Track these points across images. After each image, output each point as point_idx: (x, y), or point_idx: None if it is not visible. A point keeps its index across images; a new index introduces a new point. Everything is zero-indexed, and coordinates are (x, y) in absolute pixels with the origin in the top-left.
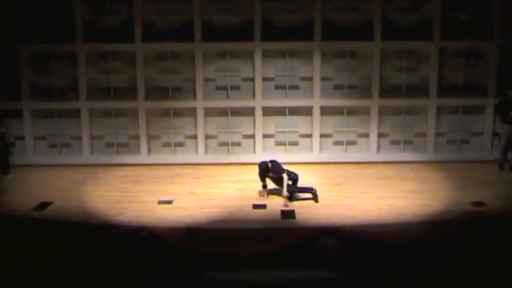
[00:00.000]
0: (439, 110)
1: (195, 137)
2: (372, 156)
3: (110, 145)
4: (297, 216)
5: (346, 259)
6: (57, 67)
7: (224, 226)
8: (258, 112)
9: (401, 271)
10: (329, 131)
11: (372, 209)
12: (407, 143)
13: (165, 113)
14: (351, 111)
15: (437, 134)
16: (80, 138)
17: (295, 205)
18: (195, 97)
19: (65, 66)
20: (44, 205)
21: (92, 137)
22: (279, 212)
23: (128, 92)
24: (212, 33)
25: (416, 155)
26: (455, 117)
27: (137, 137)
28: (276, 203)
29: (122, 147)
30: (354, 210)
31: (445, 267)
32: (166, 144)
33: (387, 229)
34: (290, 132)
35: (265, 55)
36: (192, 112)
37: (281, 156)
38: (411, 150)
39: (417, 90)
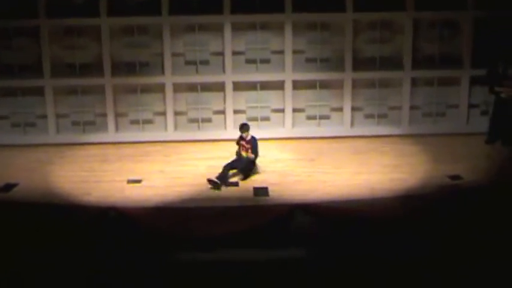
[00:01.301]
0: (414, 83)
1: (164, 113)
2: (346, 130)
3: (76, 123)
4: (270, 193)
5: (321, 237)
6: (19, 43)
7: (196, 205)
8: (229, 87)
9: (378, 249)
10: (301, 105)
11: (347, 184)
12: (382, 116)
13: (133, 90)
14: (324, 85)
15: (413, 107)
16: (44, 116)
17: (269, 181)
18: (163, 73)
19: (28, 42)
20: (8, 186)
21: (57, 116)
22: (252, 189)
23: (94, 68)
24: (180, 7)
25: (391, 129)
26: (430, 90)
27: (104, 115)
28: (248, 180)
29: (89, 125)
30: (328, 186)
31: (420, 243)
32: (134, 122)
33: (363, 204)
34: (262, 107)
35: (235, 28)
36: (161, 88)
37: (253, 132)
38: (386, 123)
39: (391, 62)
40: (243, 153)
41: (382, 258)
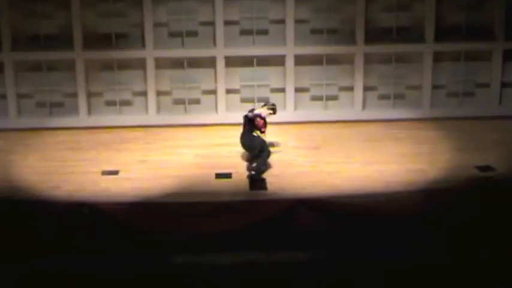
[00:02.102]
0: (437, 57)
1: (144, 93)
2: (356, 113)
3: (41, 105)
4: (269, 186)
5: (327, 237)
6: None
7: (182, 200)
8: (220, 63)
9: (393, 251)
10: (305, 84)
11: (358, 176)
12: (399, 97)
13: (108, 66)
14: (331, 61)
15: (435, 86)
16: (4, 97)
17: (267, 172)
18: (143, 46)
19: None
20: None
21: (19, 96)
22: (247, 181)
23: (62, 40)
24: None
25: (409, 112)
26: (456, 66)
27: (74, 95)
28: (243, 171)
29: (57, 107)
30: (336, 179)
31: (444, 245)
32: (110, 103)
33: (376, 200)
34: (259, 86)
35: None
36: (141, 64)
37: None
38: (403, 105)
39: (410, 34)
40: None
41: (395, 261)
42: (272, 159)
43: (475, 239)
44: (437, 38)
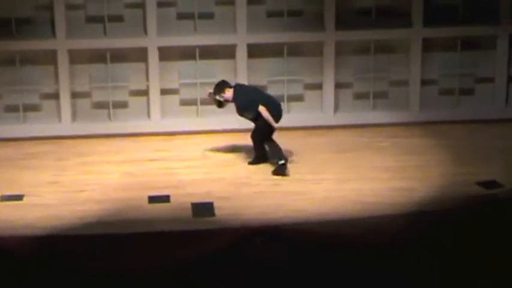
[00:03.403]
0: (427, 46)
1: (55, 95)
2: (326, 117)
3: None
4: (218, 211)
5: (292, 274)
6: None
7: (106, 231)
8: (153, 55)
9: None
10: (262, 81)
11: (329, 197)
12: (380, 96)
13: (8, 60)
14: (294, 51)
15: (425, 82)
16: None
17: (214, 194)
18: (54, 34)
19: None
20: None
21: None
22: (189, 205)
23: None
24: None
25: (393, 114)
26: (451, 56)
27: None
28: (184, 192)
29: None
30: (302, 200)
31: (436, 280)
32: (12, 109)
33: (352, 226)
34: (203, 84)
35: None
36: (51, 57)
37: (191, 122)
38: (386, 106)
39: (393, 15)
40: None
41: None
42: (222, 176)
43: (475, 272)
44: (427, 21)
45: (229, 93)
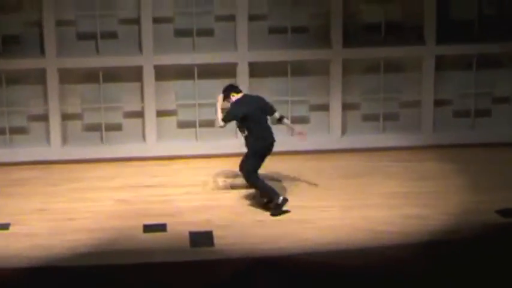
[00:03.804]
0: (441, 63)
1: (44, 117)
2: (333, 140)
3: None
4: (217, 240)
5: None
6: None
7: (98, 263)
8: (149, 74)
9: None
10: None
11: (335, 225)
12: (390, 117)
13: None
14: (299, 70)
15: (439, 103)
16: None
17: (214, 222)
18: (42, 52)
19: None
20: None
21: None
22: (187, 234)
23: None
24: None
25: (405, 137)
26: (466, 75)
27: None
28: (181, 221)
29: None
30: (307, 229)
31: None
32: None
33: (360, 257)
34: (202, 106)
35: None
36: (40, 76)
37: (189, 145)
38: (396, 129)
39: (404, 32)
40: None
41: None
42: (221, 203)
43: None
44: (441, 38)
45: (234, 98)
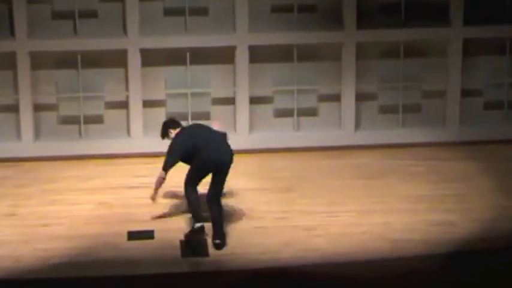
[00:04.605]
0: (469, 48)
1: (14, 108)
2: (346, 136)
3: None
4: (212, 250)
5: None
6: None
7: (75, 275)
8: (134, 59)
9: None
10: (266, 91)
11: (349, 233)
12: (411, 109)
13: None
14: (306, 54)
15: (466, 93)
16: None
17: (209, 228)
18: (12, 33)
19: None
20: None
21: None
22: (177, 243)
23: None
24: None
25: (428, 132)
26: (498, 61)
27: None
28: (171, 227)
29: None
30: (316, 237)
31: None
32: None
33: (378, 269)
34: (194, 95)
35: None
36: (9, 60)
37: None
38: (418, 122)
39: (427, 12)
40: None
41: None
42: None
43: None
44: (469, 19)
45: (172, 134)
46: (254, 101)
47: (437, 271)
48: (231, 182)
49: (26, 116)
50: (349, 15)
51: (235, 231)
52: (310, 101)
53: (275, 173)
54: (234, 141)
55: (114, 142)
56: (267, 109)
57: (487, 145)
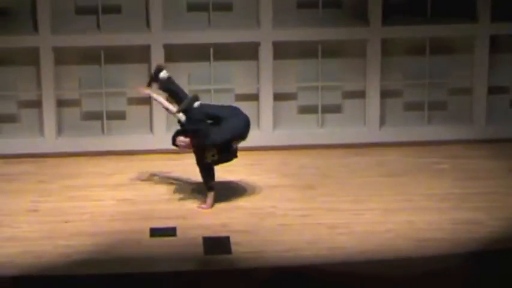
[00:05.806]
0: (496, 44)
1: (37, 103)
2: (371, 133)
3: None
4: (235, 247)
5: None
6: None
7: (97, 272)
8: (157, 54)
9: None
10: (290, 87)
11: (374, 231)
12: (437, 106)
13: None
14: (331, 51)
15: (493, 90)
16: None
17: (232, 226)
18: (36, 29)
19: None
20: None
21: None
22: (201, 240)
23: None
24: None
25: (453, 130)
26: None
27: None
28: (194, 224)
29: None
30: (338, 235)
31: None
32: None
33: (404, 267)
34: (217, 91)
35: None
36: (32, 55)
37: None
38: (444, 120)
39: (453, 8)
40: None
41: None
42: (240, 205)
43: None
44: (496, 15)
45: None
46: (278, 97)
47: (463, 270)
48: (255, 178)
49: (49, 111)
50: (375, 11)
51: (259, 229)
52: (334, 98)
53: (299, 170)
54: (258, 138)
55: (136, 138)
56: (291, 106)
57: None
